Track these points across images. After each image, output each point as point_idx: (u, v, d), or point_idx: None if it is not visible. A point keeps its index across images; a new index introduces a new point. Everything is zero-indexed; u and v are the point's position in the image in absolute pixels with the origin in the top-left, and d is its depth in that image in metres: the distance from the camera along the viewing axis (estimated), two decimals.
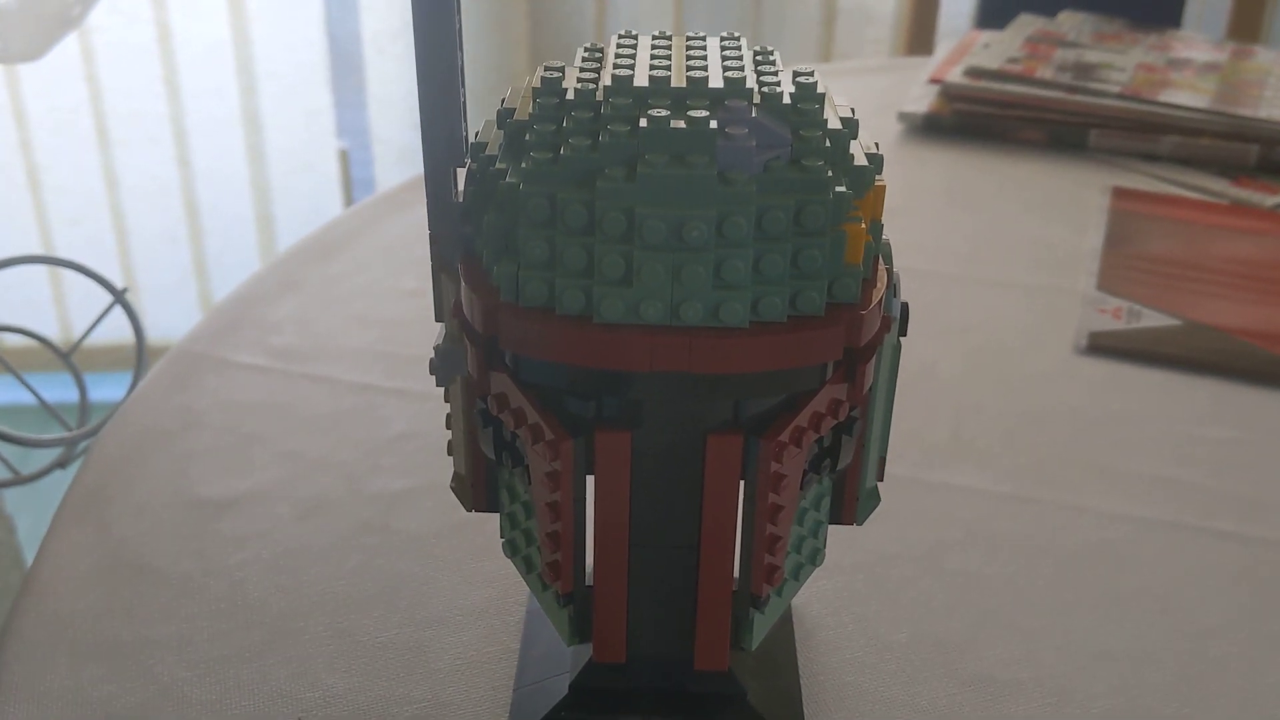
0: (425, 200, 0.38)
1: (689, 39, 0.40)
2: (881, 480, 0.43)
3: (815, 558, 0.41)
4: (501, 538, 0.42)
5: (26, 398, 0.99)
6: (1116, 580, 0.54)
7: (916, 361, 0.69)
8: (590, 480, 0.38)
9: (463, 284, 0.37)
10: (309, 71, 1.98)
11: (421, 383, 0.67)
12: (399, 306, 0.76)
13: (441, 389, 0.42)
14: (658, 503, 0.38)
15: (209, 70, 1.92)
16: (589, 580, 0.40)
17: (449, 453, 0.43)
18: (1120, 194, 0.92)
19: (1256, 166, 0.98)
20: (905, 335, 0.40)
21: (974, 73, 1.05)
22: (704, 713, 0.42)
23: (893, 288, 0.38)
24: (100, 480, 0.60)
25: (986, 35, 1.17)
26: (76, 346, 1.00)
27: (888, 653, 0.50)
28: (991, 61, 1.07)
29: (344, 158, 2.08)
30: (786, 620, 0.49)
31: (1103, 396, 0.68)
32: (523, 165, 0.35)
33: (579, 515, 0.38)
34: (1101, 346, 0.72)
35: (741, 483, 0.38)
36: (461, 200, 0.38)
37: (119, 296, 0.95)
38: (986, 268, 0.82)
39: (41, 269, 1.88)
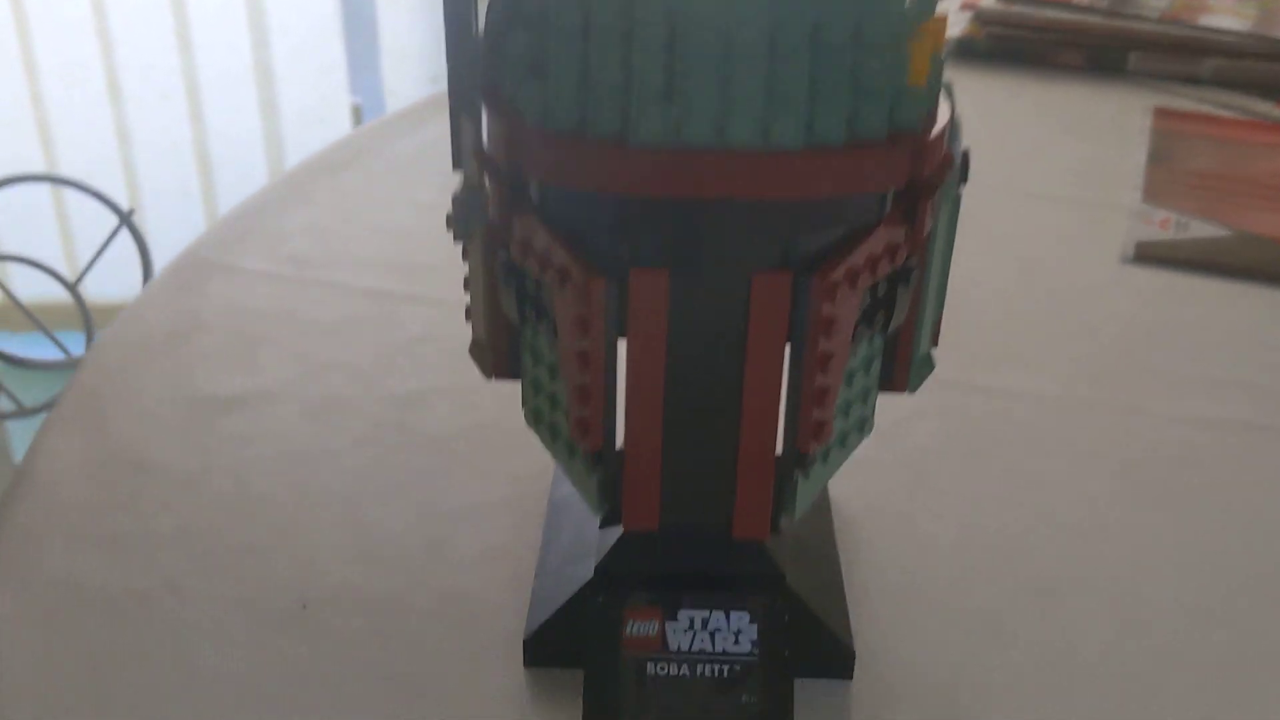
0: (444, 48, 0.35)
1: None
2: (936, 345, 0.40)
3: (863, 426, 0.38)
4: (524, 406, 0.39)
5: (37, 352, 0.97)
6: (1178, 480, 0.51)
7: (961, 271, 0.65)
8: (622, 345, 0.35)
9: (485, 113, 0.34)
10: (321, 26, 1.95)
11: (438, 289, 0.64)
12: (413, 218, 0.73)
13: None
14: (697, 352, 0.35)
15: (221, 25, 1.89)
16: (620, 446, 0.37)
17: (467, 318, 0.40)
18: (1163, 114, 0.88)
19: None
20: (966, 182, 0.37)
21: None
22: (741, 594, 0.39)
23: (955, 125, 0.35)
24: (100, 380, 0.57)
25: None
26: (84, 275, 0.97)
27: (934, 552, 0.47)
28: None
29: (357, 113, 2.05)
30: (825, 511, 0.46)
31: (1153, 305, 0.64)
32: None
33: (609, 364, 0.35)
34: (1149, 256, 0.68)
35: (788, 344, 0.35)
36: (483, 32, 0.35)
37: (125, 219, 0.92)
38: (1028, 182, 0.78)
39: (48, 201, 1.86)
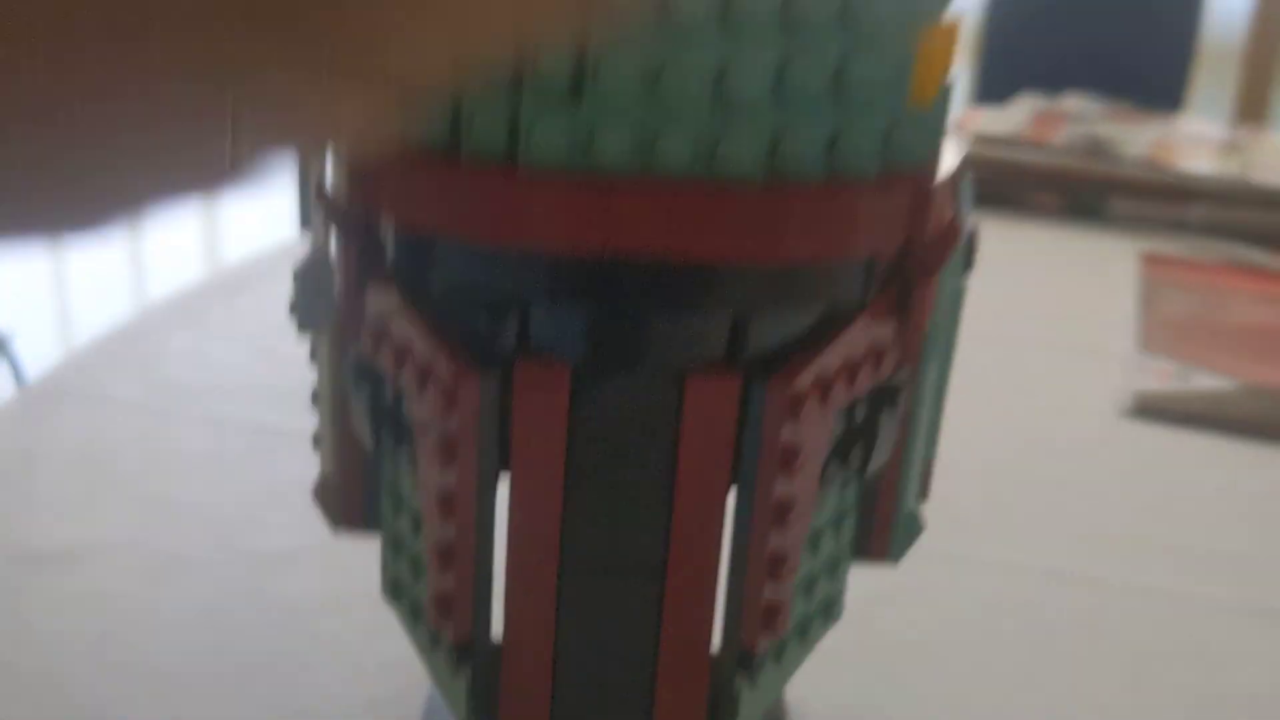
0: None
1: None
2: (925, 499, 0.30)
3: (830, 609, 0.28)
4: (382, 574, 0.29)
5: None
6: (1200, 675, 0.41)
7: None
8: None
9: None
10: None
11: None
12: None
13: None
14: (605, 492, 0.25)
15: None
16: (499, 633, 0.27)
17: (315, 447, 0.30)
18: (1152, 260, 0.81)
19: None
20: (970, 269, 0.28)
21: (983, 140, 0.95)
22: None
23: (965, 177, 0.26)
24: None
25: (987, 113, 1.07)
26: None
27: None
28: (1000, 129, 0.97)
29: None
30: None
31: (1157, 463, 0.55)
32: None
33: (483, 510, 0.25)
34: (1151, 409, 0.60)
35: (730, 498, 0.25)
36: None
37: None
38: (1013, 328, 0.70)
39: None
